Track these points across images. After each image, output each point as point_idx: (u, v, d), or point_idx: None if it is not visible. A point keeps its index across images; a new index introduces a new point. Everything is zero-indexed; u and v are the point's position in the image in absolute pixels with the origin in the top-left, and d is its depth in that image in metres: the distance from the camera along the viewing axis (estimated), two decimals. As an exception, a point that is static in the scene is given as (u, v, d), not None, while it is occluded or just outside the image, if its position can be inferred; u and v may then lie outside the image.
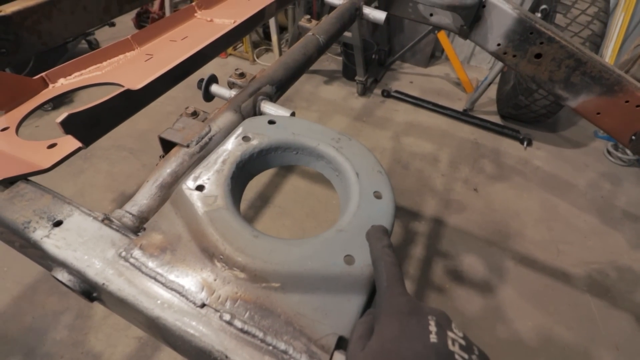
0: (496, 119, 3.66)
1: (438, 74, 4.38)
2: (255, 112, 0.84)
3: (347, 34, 3.36)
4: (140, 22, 4.72)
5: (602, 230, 2.75)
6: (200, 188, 0.57)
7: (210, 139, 0.72)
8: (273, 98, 0.90)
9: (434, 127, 3.58)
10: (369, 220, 0.55)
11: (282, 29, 4.49)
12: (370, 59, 4.01)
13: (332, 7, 1.41)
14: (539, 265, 2.50)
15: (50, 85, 0.92)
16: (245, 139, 0.65)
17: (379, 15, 1.30)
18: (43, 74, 0.91)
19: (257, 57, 4.40)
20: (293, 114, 0.82)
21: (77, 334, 2.05)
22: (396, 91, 3.90)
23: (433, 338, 0.38)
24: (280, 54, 4.17)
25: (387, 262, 0.47)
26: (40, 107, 0.87)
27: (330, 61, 4.45)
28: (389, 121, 3.64)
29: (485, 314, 2.23)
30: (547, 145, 3.44)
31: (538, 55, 1.46)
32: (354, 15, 1.27)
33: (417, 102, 3.80)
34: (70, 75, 0.95)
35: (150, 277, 0.49)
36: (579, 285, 2.41)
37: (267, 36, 4.37)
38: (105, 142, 3.20)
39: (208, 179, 0.58)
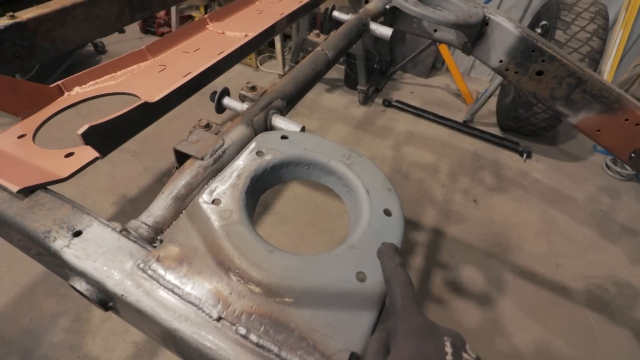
0: (496, 130, 3.70)
1: (439, 85, 4.42)
2: (267, 125, 0.86)
3: (350, 44, 3.40)
4: (147, 26, 4.76)
5: (601, 245, 2.77)
6: (216, 202, 0.58)
7: (223, 152, 0.73)
8: (283, 112, 0.92)
9: (435, 138, 3.61)
10: (380, 237, 0.57)
11: (285, 37, 4.54)
12: (372, 69, 4.05)
13: (339, 22, 1.44)
14: (538, 278, 2.51)
15: (66, 93, 0.94)
16: (259, 153, 0.67)
17: (385, 31, 1.33)
18: (59, 82, 0.93)
19: (261, 64, 4.44)
20: (303, 129, 0.83)
21: (75, 337, 2.04)
22: (397, 101, 3.93)
23: (449, 358, 0.40)
24: (284, 61, 4.20)
25: (401, 282, 0.48)
26: (56, 114, 0.88)
27: (333, 70, 4.47)
28: (389, 130, 3.67)
29: (484, 326, 2.24)
30: (547, 158, 3.47)
31: (539, 73, 1.49)
32: (361, 30, 1.30)
33: (418, 112, 3.83)
34: (85, 84, 0.96)
35: (168, 289, 0.50)
36: (578, 299, 2.42)
37: (270, 44, 4.41)
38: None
39: (224, 193, 0.60)
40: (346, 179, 0.66)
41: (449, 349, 0.40)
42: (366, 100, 3.99)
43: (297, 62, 4.20)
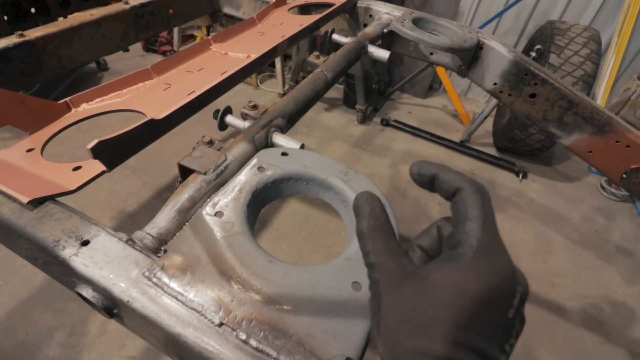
0: (492, 151, 3.76)
1: (436, 105, 4.50)
2: (267, 142, 0.89)
3: (349, 64, 3.48)
4: (149, 45, 4.86)
5: (597, 265, 2.79)
6: (218, 214, 0.61)
7: (225, 167, 0.76)
8: (284, 130, 0.95)
9: (432, 157, 3.66)
10: (375, 250, 0.60)
11: (286, 57, 4.63)
12: (371, 89, 4.13)
13: (338, 45, 1.49)
14: (534, 297, 2.52)
15: (73, 110, 0.98)
16: (260, 169, 0.70)
17: (383, 54, 1.38)
18: (67, 98, 0.96)
19: (261, 83, 4.52)
20: (302, 146, 0.87)
21: (70, 352, 2.04)
22: (395, 120, 4.00)
23: (511, 313, 0.37)
24: (284, 81, 4.28)
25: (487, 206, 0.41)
26: (63, 130, 0.92)
27: (332, 89, 4.52)
28: (387, 149, 3.72)
29: (480, 345, 2.23)
30: (542, 178, 3.52)
31: (532, 95, 1.54)
32: (359, 53, 1.35)
33: (415, 132, 3.90)
34: (92, 100, 1.00)
35: (172, 296, 0.53)
36: (574, 318, 2.43)
37: (271, 63, 4.50)
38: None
39: (226, 205, 0.63)
40: (343, 195, 0.69)
41: (516, 301, 0.37)
42: (364, 119, 4.06)
43: (296, 82, 4.28)
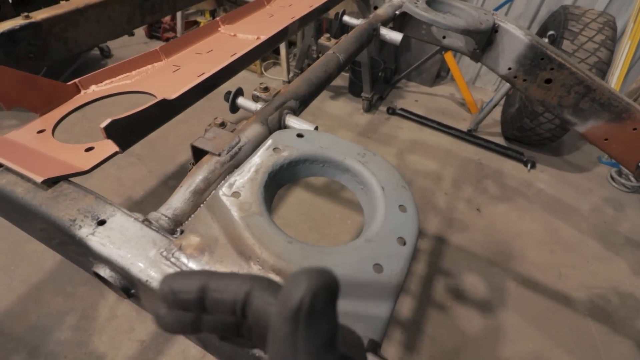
0: (500, 140, 3.72)
1: (443, 94, 4.45)
2: (280, 125, 0.88)
3: (356, 51, 3.44)
4: (152, 31, 4.81)
5: (605, 256, 2.77)
6: (235, 194, 0.60)
7: (239, 149, 0.75)
8: (297, 112, 0.94)
9: (438, 146, 3.63)
10: (395, 232, 0.58)
11: (290, 44, 4.58)
12: (377, 77, 4.08)
13: (350, 27, 1.46)
14: (541, 287, 2.51)
15: (83, 91, 0.96)
16: (276, 150, 0.69)
17: (395, 36, 1.35)
18: (76, 80, 0.95)
19: (265, 71, 4.48)
20: (316, 128, 0.85)
21: (81, 335, 2.05)
22: (401, 109, 3.96)
23: None
24: (289, 68, 4.24)
25: None
26: (73, 111, 0.90)
27: (337, 77, 4.51)
28: (393, 138, 3.69)
29: (486, 333, 2.23)
30: (551, 168, 3.48)
31: (548, 81, 1.51)
32: (371, 35, 1.32)
33: (422, 121, 3.86)
34: (101, 82, 0.99)
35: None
36: (581, 309, 2.42)
37: (275, 50, 4.45)
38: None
39: (243, 186, 0.61)
40: (361, 177, 0.67)
41: None
42: (370, 107, 4.02)
43: (301, 69, 4.24)
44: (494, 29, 1.47)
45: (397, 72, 4.48)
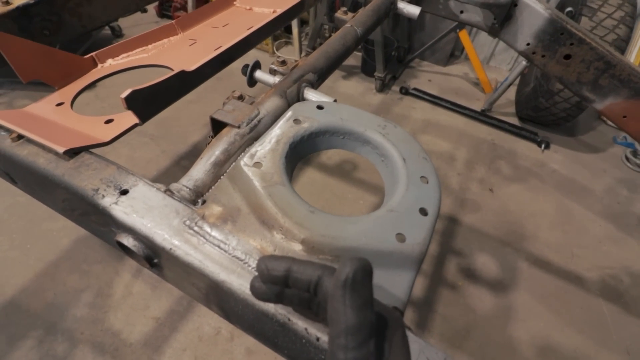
0: (514, 120, 3.66)
1: (457, 74, 4.37)
2: (299, 97, 0.87)
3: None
4: (163, 10, 4.77)
5: (618, 237, 2.74)
6: (257, 165, 0.60)
7: (259, 121, 0.74)
8: (315, 85, 0.92)
9: (451, 126, 3.58)
10: (417, 202, 0.58)
11: (302, 23, 4.51)
12: (390, 56, 4.01)
13: (365, 2, 1.43)
14: (553, 267, 2.50)
15: (99, 65, 0.96)
16: (296, 121, 0.68)
17: (413, 10, 1.32)
18: (93, 53, 0.95)
19: (277, 50, 4.43)
20: (335, 101, 0.84)
21: (97, 312, 2.10)
22: (414, 89, 3.90)
23: None
24: (300, 47, 4.19)
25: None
26: (91, 85, 0.90)
27: (350, 56, 4.45)
28: (406, 118, 3.65)
29: (497, 312, 2.24)
30: (565, 149, 3.43)
31: (567, 56, 1.47)
32: (389, 8, 1.29)
33: (435, 101, 3.80)
34: (118, 56, 0.98)
35: (214, 244, 0.52)
36: (592, 289, 2.41)
37: (287, 29, 4.39)
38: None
39: (264, 157, 0.61)
40: (382, 148, 0.67)
41: None
42: (383, 87, 3.96)
43: (314, 48, 4.18)
44: (514, 3, 1.42)
45: (410, 51, 4.40)
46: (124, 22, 4.42)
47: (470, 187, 2.98)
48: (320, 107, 0.72)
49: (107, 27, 4.30)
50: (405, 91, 3.90)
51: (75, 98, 0.85)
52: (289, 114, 0.70)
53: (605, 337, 2.20)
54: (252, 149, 0.63)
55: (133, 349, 2.01)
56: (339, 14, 1.22)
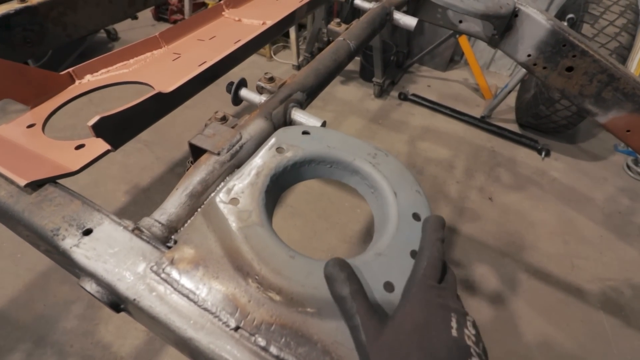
0: (514, 127, 3.61)
1: (456, 79, 4.32)
2: (286, 119, 0.82)
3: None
4: (159, 13, 4.73)
5: (619, 247, 2.69)
6: (233, 201, 0.55)
7: (241, 147, 0.70)
8: (303, 105, 0.88)
9: (451, 133, 3.54)
10: (408, 245, 0.53)
11: (300, 27, 4.47)
12: (389, 61, 3.97)
13: (361, 11, 1.38)
14: (553, 278, 2.45)
15: (77, 82, 0.91)
16: (279, 150, 0.63)
17: (410, 21, 1.27)
18: (70, 69, 0.90)
19: (275, 54, 4.38)
20: (324, 124, 0.79)
21: (88, 324, 2.06)
22: (413, 94, 3.86)
23: (454, 332, 0.42)
24: (299, 52, 4.14)
25: (433, 255, 0.51)
26: (66, 104, 0.85)
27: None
28: (404, 125, 3.61)
29: (496, 325, 2.19)
30: (565, 156, 3.38)
31: (569, 69, 1.42)
32: (384, 20, 1.25)
33: (434, 107, 3.76)
34: (97, 71, 0.93)
35: (183, 294, 0.47)
36: (593, 301, 2.36)
37: (285, 34, 4.34)
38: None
39: (242, 192, 0.56)
40: (372, 180, 0.62)
41: (454, 323, 0.43)
42: (381, 93, 3.92)
43: (311, 53, 4.13)
44: (514, 13, 1.38)
45: (409, 56, 4.36)
46: (119, 26, 4.37)
47: (469, 195, 2.93)
48: (305, 133, 0.67)
49: (102, 31, 4.25)
50: (404, 97, 3.86)
51: (48, 119, 0.80)
52: (272, 141, 0.65)
53: (606, 350, 2.16)
54: (230, 183, 0.58)
55: (123, 363, 1.97)
56: (332, 26, 1.17)
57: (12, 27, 1.11)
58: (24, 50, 1.17)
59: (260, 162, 0.61)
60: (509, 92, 3.47)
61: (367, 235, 2.60)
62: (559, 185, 3.10)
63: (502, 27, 1.40)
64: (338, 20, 1.20)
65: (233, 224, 0.51)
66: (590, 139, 3.59)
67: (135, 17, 4.58)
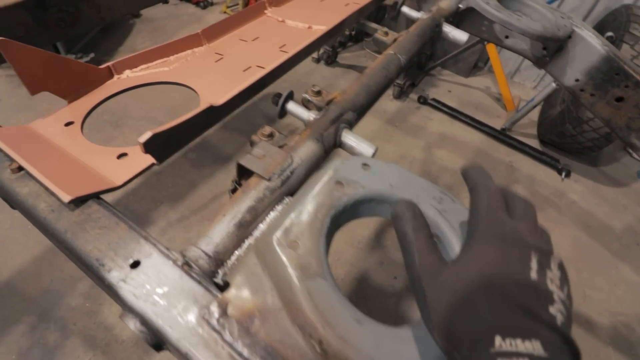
0: (535, 143, 3.52)
1: (479, 86, 4.22)
2: (336, 141, 0.77)
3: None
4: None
5: (634, 281, 2.63)
6: (293, 245, 0.50)
7: (292, 172, 0.65)
8: (352, 125, 0.83)
9: (468, 143, 3.46)
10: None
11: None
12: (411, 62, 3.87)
13: (407, 19, 1.32)
14: (563, 306, 2.40)
15: (116, 77, 0.86)
16: (338, 184, 0.58)
17: (460, 35, 1.21)
18: (110, 63, 0.85)
19: (297, 44, 4.29)
20: (376, 150, 0.75)
21: (92, 303, 2.05)
22: (433, 99, 3.77)
23: (533, 275, 0.36)
24: (322, 44, 4.03)
25: (491, 190, 0.45)
26: (104, 101, 0.81)
27: (368, 57, 4.30)
28: (422, 129, 3.53)
29: (502, 349, 2.15)
30: (586, 179, 3.30)
31: (619, 99, 1.36)
32: (434, 32, 1.19)
33: (454, 114, 3.67)
34: (136, 67, 0.88)
35: (237, 351, 0.43)
36: (602, 335, 2.31)
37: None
38: (136, 112, 3.15)
39: (302, 234, 0.51)
40: (436, 227, 0.57)
41: (534, 264, 0.38)
42: (401, 94, 3.83)
43: (332, 47, 4.02)
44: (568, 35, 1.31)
45: (432, 59, 4.25)
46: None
47: (484, 210, 2.87)
48: (365, 165, 0.62)
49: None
50: (423, 100, 3.77)
51: (87, 117, 0.75)
52: (329, 173, 0.59)
53: (611, 388, 2.12)
54: (287, 221, 0.53)
55: (124, 346, 1.96)
56: (379, 35, 1.11)
57: (48, 7, 1.07)
58: (57, 31, 1.13)
59: (319, 199, 0.56)
60: (534, 106, 3.38)
61: (375, 241, 2.55)
62: (577, 209, 3.03)
63: (554, 49, 1.33)
64: (386, 30, 1.13)
65: (295, 275, 0.47)
66: (613, 162, 3.51)
67: (166, 2, 4.51)
